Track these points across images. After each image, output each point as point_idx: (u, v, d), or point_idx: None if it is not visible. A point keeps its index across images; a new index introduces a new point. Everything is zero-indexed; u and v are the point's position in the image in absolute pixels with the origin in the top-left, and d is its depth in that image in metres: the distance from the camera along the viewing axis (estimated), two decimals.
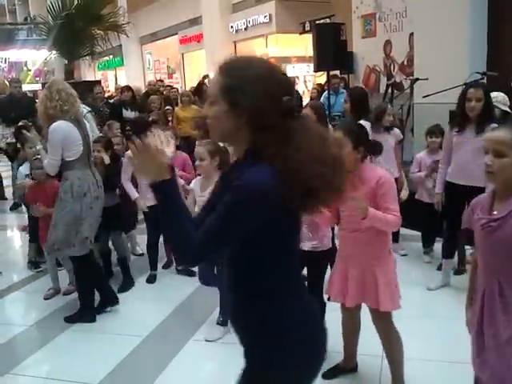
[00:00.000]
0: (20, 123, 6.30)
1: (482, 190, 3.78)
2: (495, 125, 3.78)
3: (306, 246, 3.21)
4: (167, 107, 8.36)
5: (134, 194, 4.72)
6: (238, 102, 1.48)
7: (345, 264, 2.87)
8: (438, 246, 4.83)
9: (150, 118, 5.71)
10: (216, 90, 1.53)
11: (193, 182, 4.01)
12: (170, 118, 8.03)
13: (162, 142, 1.58)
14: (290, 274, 1.65)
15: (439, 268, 4.50)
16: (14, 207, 7.90)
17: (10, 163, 8.04)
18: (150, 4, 19.46)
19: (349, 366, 3.16)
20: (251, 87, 1.48)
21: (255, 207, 1.46)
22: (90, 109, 6.29)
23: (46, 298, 4.48)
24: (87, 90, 8.20)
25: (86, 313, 4.04)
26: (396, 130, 4.94)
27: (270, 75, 1.52)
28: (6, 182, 8.47)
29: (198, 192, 3.85)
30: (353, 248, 2.82)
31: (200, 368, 3.39)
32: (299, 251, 1.73)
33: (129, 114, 7.94)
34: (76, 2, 10.93)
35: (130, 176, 4.66)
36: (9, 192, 8.36)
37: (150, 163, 1.52)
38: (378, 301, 2.73)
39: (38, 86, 18.16)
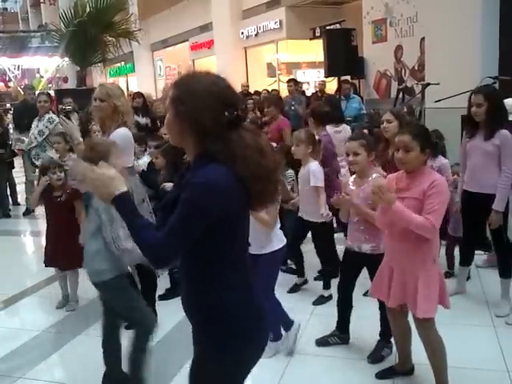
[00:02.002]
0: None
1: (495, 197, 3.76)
2: (505, 131, 3.75)
3: (364, 248, 3.28)
4: None
5: None
6: (179, 111, 1.69)
7: (390, 264, 2.89)
8: None
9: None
10: (168, 100, 1.75)
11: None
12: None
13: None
14: (236, 266, 1.78)
15: None
16: (27, 213, 7.97)
17: (23, 169, 8.12)
18: (161, 11, 19.57)
19: (404, 368, 3.14)
20: (190, 99, 1.67)
21: (210, 201, 1.62)
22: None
23: (57, 307, 4.47)
24: None
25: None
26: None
27: (210, 90, 1.69)
28: (19, 188, 8.54)
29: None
30: (398, 251, 2.83)
31: None
32: (247, 246, 1.88)
33: (140, 120, 7.99)
34: (88, 10, 11.04)
35: None
36: (22, 198, 8.43)
37: (99, 184, 1.74)
38: (414, 306, 2.74)
39: (51, 93, 18.28)
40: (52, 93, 12.47)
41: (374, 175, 3.31)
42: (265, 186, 1.72)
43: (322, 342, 3.50)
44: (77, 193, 4.31)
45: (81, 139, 3.70)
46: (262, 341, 1.88)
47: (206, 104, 1.66)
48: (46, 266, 4.52)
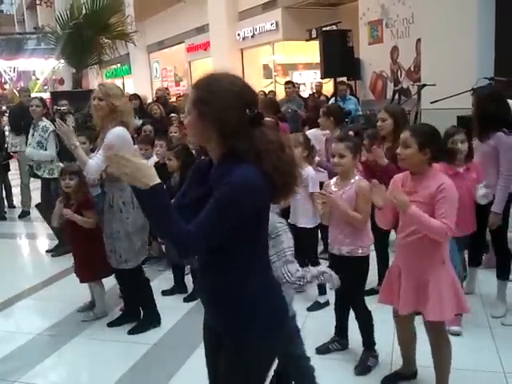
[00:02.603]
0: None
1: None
2: (500, 133, 3.74)
3: (343, 250, 3.24)
4: (172, 115, 8.40)
5: None
6: (204, 112, 1.72)
7: (399, 270, 2.86)
8: None
9: None
10: (189, 101, 1.79)
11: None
12: (175, 125, 8.08)
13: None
14: (260, 253, 1.87)
15: None
16: (23, 215, 7.96)
17: (18, 172, 8.10)
18: (157, 13, 19.56)
19: (408, 372, 3.12)
20: (214, 100, 1.71)
21: (248, 200, 1.69)
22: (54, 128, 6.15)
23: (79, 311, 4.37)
24: None
25: (150, 319, 4.02)
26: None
27: (232, 89, 1.74)
28: (15, 191, 8.52)
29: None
30: (406, 254, 2.80)
31: None
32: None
33: (137, 122, 7.97)
34: (84, 12, 11.03)
35: None
36: (17, 200, 8.40)
37: (134, 170, 1.63)
38: (426, 310, 2.71)
39: (46, 95, 18.28)
40: (48, 95, 12.47)
41: (357, 177, 3.29)
42: (287, 180, 1.78)
43: (323, 350, 3.47)
44: (87, 202, 4.12)
45: (77, 143, 3.67)
46: (283, 324, 1.94)
47: (230, 104, 1.72)
48: (80, 282, 4.26)
